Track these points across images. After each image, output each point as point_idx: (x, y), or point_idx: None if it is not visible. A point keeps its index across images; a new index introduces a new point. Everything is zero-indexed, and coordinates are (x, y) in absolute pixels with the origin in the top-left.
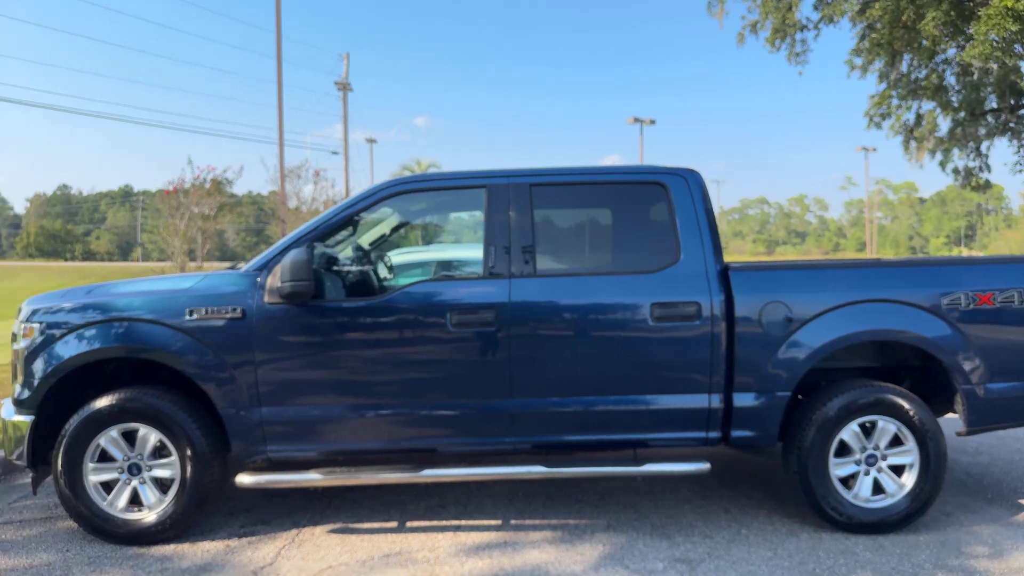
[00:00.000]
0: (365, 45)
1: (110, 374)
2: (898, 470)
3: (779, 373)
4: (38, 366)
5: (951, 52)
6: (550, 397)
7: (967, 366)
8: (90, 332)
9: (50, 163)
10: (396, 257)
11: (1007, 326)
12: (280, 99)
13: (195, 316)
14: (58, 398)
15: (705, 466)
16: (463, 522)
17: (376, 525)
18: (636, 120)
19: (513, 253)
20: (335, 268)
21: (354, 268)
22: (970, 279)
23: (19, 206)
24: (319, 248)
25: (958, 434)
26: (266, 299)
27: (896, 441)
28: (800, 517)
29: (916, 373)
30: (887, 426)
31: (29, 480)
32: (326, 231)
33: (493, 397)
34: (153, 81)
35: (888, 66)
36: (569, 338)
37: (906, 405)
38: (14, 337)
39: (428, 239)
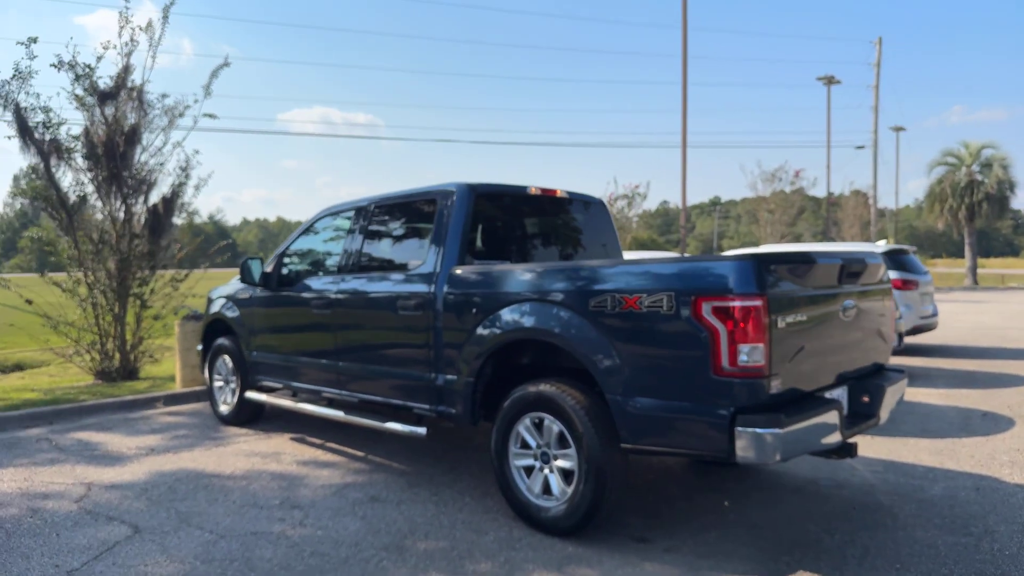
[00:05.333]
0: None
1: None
2: (568, 474)
3: (467, 360)
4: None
5: None
6: (357, 362)
7: (611, 375)
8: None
9: (657, 184)
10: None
11: (653, 333)
12: (684, 102)
13: (239, 293)
14: (208, 337)
15: (421, 430)
16: (348, 449)
17: (316, 440)
18: None
19: (350, 257)
20: (299, 268)
21: (309, 267)
22: (619, 279)
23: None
24: (291, 256)
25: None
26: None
27: (567, 443)
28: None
29: None
30: (552, 425)
31: (162, 401)
32: (289, 246)
33: (330, 359)
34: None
35: None
36: (363, 319)
37: (567, 406)
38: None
39: None
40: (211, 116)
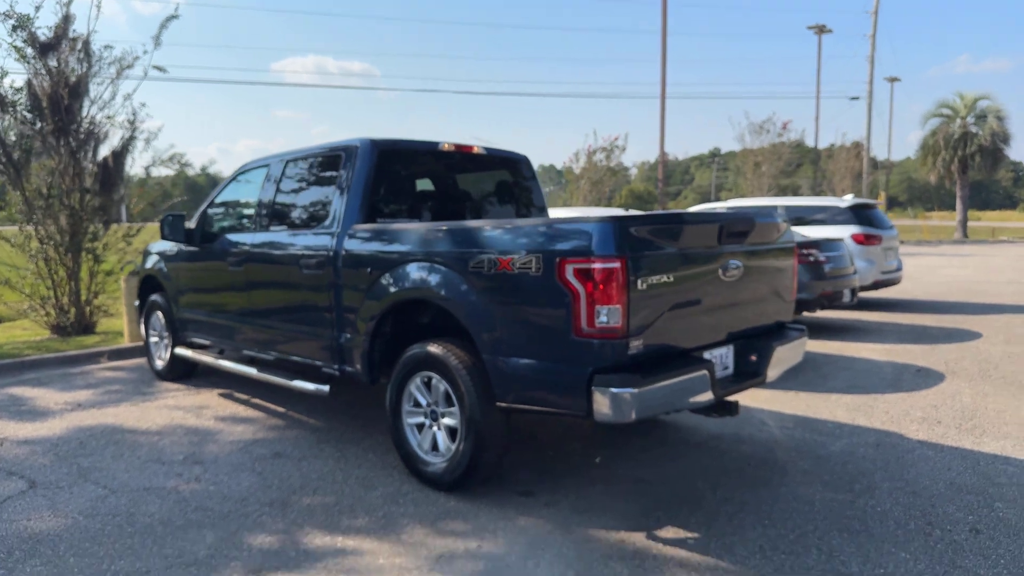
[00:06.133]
0: None
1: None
2: (454, 432)
3: (364, 319)
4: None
5: None
6: (268, 319)
7: (487, 335)
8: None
9: (654, 137)
10: None
11: (523, 295)
12: (664, 56)
13: (169, 249)
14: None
15: (324, 388)
16: (270, 405)
17: (242, 396)
18: None
19: (262, 213)
20: (219, 224)
21: (229, 223)
22: (496, 241)
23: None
24: (212, 212)
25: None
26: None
27: (452, 402)
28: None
29: None
30: (439, 384)
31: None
32: (211, 202)
33: (245, 316)
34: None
35: None
36: (273, 276)
37: (451, 366)
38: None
39: None
40: (160, 69)
